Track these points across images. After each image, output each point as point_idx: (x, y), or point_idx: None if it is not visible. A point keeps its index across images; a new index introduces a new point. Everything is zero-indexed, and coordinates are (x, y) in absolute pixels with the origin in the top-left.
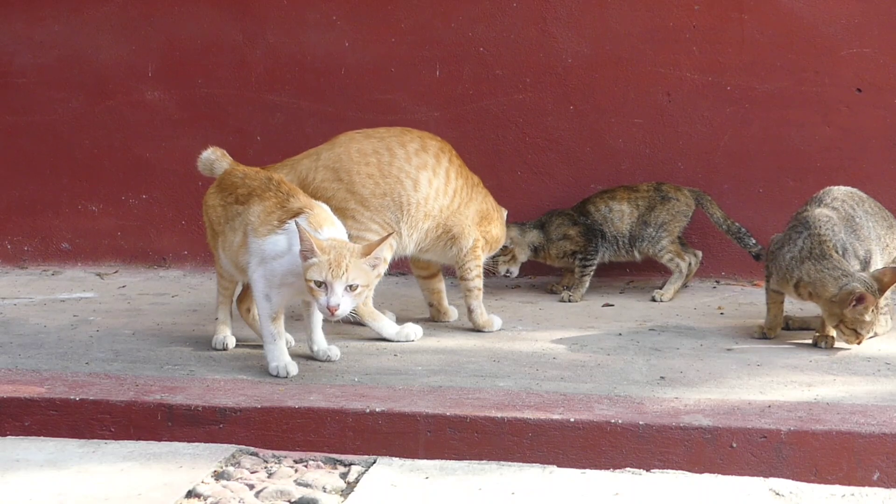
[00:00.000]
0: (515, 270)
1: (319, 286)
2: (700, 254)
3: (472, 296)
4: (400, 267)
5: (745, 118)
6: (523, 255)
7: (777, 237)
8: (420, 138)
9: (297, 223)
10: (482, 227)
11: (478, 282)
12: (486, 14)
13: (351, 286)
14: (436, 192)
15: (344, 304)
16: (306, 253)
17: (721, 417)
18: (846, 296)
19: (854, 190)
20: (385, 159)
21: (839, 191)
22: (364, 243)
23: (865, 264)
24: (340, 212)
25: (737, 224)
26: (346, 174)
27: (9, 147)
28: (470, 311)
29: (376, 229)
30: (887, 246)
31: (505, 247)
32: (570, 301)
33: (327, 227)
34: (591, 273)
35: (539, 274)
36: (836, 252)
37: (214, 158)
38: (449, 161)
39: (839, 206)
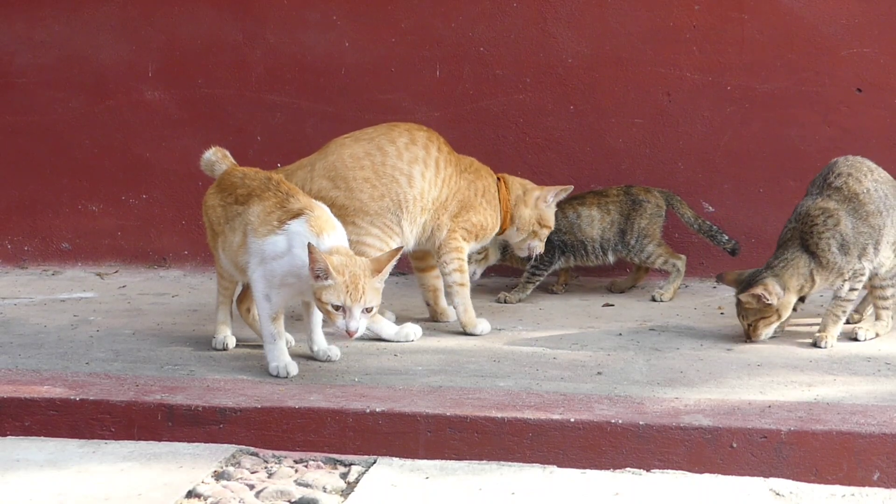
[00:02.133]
0: (479, 272)
1: (337, 309)
2: (683, 257)
3: (453, 292)
4: (400, 267)
5: (745, 118)
6: (494, 257)
7: None
8: (408, 131)
9: (309, 245)
10: (460, 216)
11: (457, 276)
12: (486, 14)
13: (367, 308)
14: (429, 184)
15: (362, 327)
16: (319, 272)
17: (721, 417)
18: None
19: (863, 159)
20: (378, 160)
21: (844, 164)
22: (373, 257)
23: (863, 249)
24: (340, 218)
25: (707, 222)
26: (343, 181)
27: (9, 147)
28: (454, 308)
29: (377, 233)
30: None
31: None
32: (505, 302)
33: (328, 230)
34: (538, 282)
35: None
36: (822, 249)
37: (215, 160)
38: (438, 150)
39: (842, 185)
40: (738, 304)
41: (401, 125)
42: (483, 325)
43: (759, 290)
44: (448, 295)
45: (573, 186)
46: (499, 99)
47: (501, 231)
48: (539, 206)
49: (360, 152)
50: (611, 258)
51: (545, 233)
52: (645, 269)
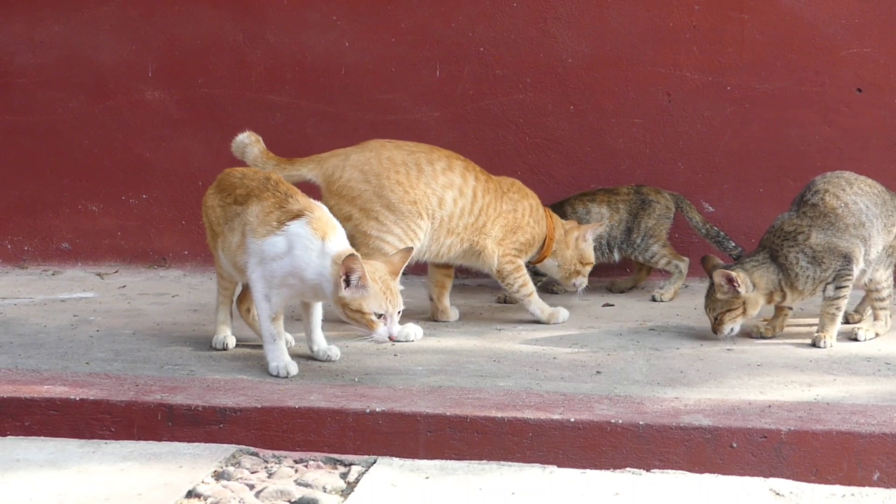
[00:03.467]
0: None
1: (378, 317)
2: (686, 259)
3: (527, 302)
4: None
5: (745, 118)
6: None
7: None
8: (447, 157)
9: (350, 258)
10: (508, 240)
11: (524, 290)
12: (486, 14)
13: (399, 311)
14: (461, 210)
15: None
16: (353, 279)
17: (721, 417)
18: None
19: (842, 173)
20: (413, 174)
21: (822, 181)
22: (385, 259)
23: (846, 259)
24: (364, 212)
25: (715, 228)
26: (375, 178)
27: (9, 147)
28: (533, 314)
29: (398, 233)
30: (893, 226)
31: None
32: (505, 302)
33: (331, 232)
34: (539, 283)
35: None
36: (790, 262)
37: (248, 143)
38: (475, 179)
39: (819, 202)
40: (708, 296)
41: (441, 150)
42: (562, 314)
43: (733, 274)
44: (524, 307)
45: (606, 221)
46: (499, 99)
47: (541, 259)
48: (579, 245)
49: (398, 159)
50: (616, 256)
51: (587, 269)
52: (647, 269)
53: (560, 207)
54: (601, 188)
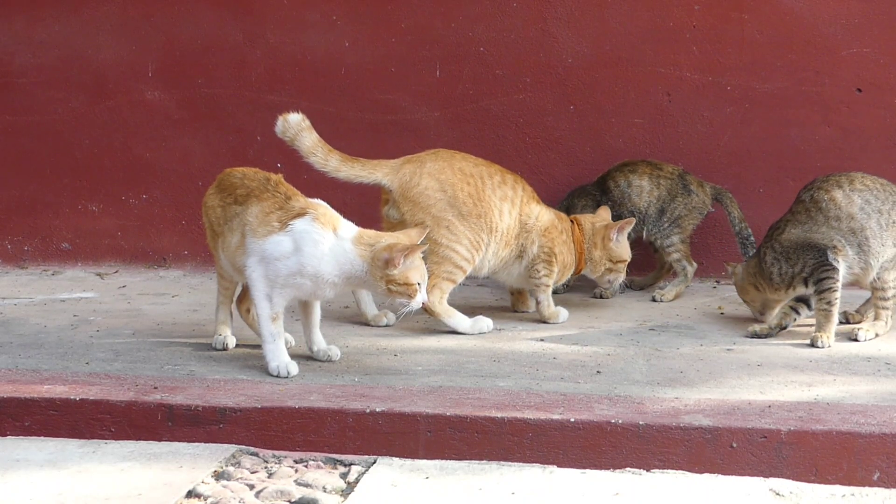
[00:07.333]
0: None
1: (418, 286)
2: (695, 265)
3: (540, 292)
4: None
5: (745, 118)
6: None
7: None
8: (500, 172)
9: (391, 243)
10: (546, 235)
11: (546, 280)
12: (486, 14)
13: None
14: (514, 220)
15: None
16: (399, 259)
17: (721, 417)
18: None
19: (845, 173)
20: (479, 186)
21: (819, 179)
22: (405, 233)
23: (819, 252)
24: (436, 220)
25: (748, 230)
26: (451, 188)
27: (9, 147)
28: (538, 302)
29: (466, 244)
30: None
31: None
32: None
33: (338, 223)
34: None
35: None
36: (761, 255)
37: (304, 128)
38: (523, 190)
39: (808, 198)
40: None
41: (495, 166)
42: (562, 314)
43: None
44: (534, 291)
45: (635, 219)
46: (499, 99)
47: (578, 270)
48: (606, 245)
49: (467, 170)
50: (644, 235)
51: (621, 266)
52: (667, 268)
53: (602, 183)
54: (643, 160)
